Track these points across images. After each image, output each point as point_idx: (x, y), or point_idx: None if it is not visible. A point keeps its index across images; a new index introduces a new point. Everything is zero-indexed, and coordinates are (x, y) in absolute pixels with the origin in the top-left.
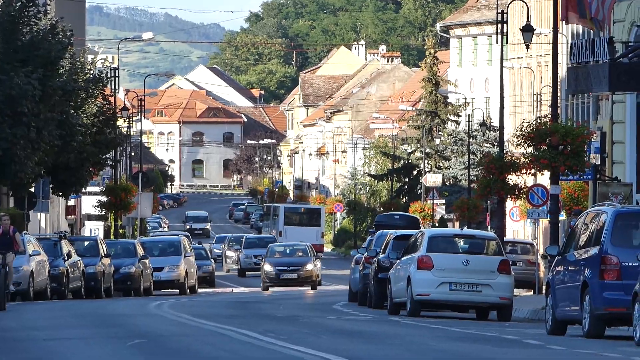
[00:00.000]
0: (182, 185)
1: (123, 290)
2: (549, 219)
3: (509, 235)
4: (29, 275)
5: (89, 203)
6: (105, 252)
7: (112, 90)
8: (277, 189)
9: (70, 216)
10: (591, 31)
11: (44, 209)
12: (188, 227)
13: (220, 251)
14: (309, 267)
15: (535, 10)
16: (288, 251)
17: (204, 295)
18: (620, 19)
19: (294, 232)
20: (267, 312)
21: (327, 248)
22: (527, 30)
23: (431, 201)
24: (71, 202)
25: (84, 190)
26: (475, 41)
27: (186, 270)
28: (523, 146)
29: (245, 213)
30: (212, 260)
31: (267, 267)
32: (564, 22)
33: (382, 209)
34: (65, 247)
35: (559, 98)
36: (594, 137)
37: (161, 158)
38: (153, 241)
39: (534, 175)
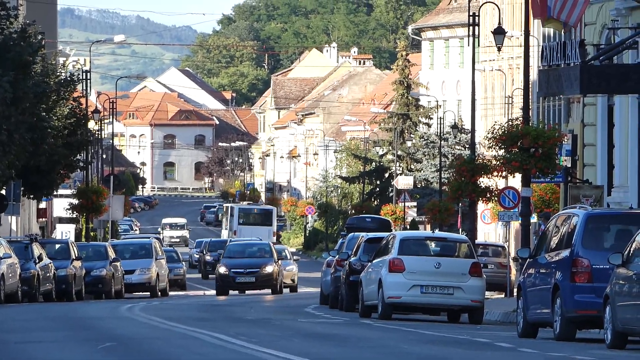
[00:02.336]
0: (154, 188)
1: (94, 293)
2: (520, 221)
3: (481, 238)
4: (0, 278)
5: (61, 206)
6: (77, 255)
7: (84, 93)
8: (248, 192)
9: (41, 219)
10: (562, 34)
11: (15, 212)
12: (165, 235)
13: (198, 256)
14: (269, 268)
15: (506, 12)
16: (247, 251)
17: (176, 298)
18: (591, 21)
19: (247, 231)
20: (238, 315)
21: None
22: (499, 32)
23: (403, 204)
24: (42, 205)
25: (55, 193)
26: (447, 44)
27: (157, 273)
28: (494, 149)
29: (216, 215)
30: (183, 263)
31: (222, 270)
32: (535, 23)
33: (353, 211)
34: (37, 250)
35: (530, 101)
36: (565, 140)
37: (133, 161)
38: (124, 244)
39: (506, 177)
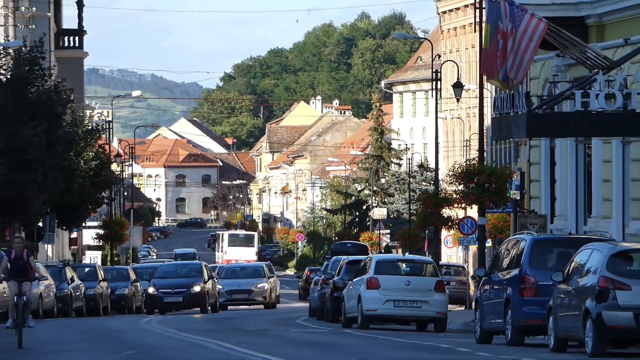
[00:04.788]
0: (168, 220)
1: (118, 309)
2: (477, 245)
3: (444, 260)
4: (39, 297)
5: (89, 235)
6: (103, 277)
7: (107, 140)
8: (248, 222)
9: (73, 247)
10: (511, 87)
11: (50, 241)
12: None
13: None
14: (197, 288)
15: (464, 69)
16: (178, 271)
17: (187, 313)
18: (535, 76)
19: (234, 251)
20: (239, 326)
21: (291, 272)
22: (457, 86)
23: (378, 231)
24: (73, 235)
25: (84, 224)
26: (414, 96)
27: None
28: (455, 184)
29: (209, 241)
30: None
31: (151, 290)
32: (486, 78)
33: (336, 238)
34: (69, 273)
35: (485, 143)
36: (515, 177)
37: (149, 197)
38: (143, 267)
39: (465, 208)
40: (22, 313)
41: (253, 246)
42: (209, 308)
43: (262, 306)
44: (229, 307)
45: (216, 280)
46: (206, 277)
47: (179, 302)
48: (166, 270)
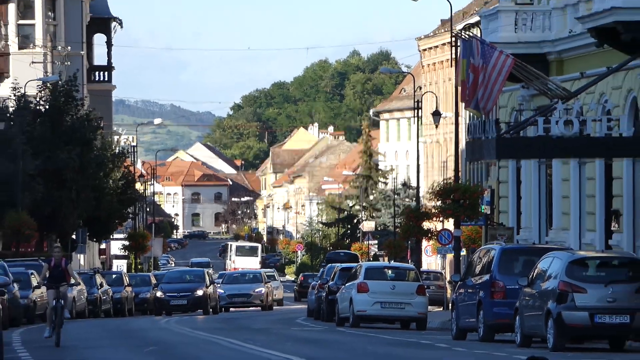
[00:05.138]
0: (184, 232)
1: (141, 310)
2: (453, 254)
3: (424, 267)
4: (72, 300)
5: (116, 246)
6: (128, 283)
7: (132, 162)
8: (254, 234)
9: (102, 256)
10: (483, 115)
11: (82, 251)
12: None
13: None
14: (200, 292)
15: (442, 99)
16: (182, 277)
17: (191, 314)
18: (504, 105)
19: (241, 260)
20: (246, 325)
21: (290, 277)
22: (436, 114)
23: (367, 242)
24: (103, 246)
25: (112, 237)
26: (398, 123)
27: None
28: (434, 200)
29: (220, 251)
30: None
31: (158, 294)
32: (463, 106)
33: (331, 248)
34: (99, 279)
35: (460, 164)
36: (486, 193)
37: (168, 212)
38: (163, 274)
39: (442, 222)
40: (60, 316)
41: (257, 256)
42: (211, 310)
43: (259, 308)
44: (231, 309)
45: (219, 285)
46: (208, 283)
47: (183, 304)
48: (172, 276)
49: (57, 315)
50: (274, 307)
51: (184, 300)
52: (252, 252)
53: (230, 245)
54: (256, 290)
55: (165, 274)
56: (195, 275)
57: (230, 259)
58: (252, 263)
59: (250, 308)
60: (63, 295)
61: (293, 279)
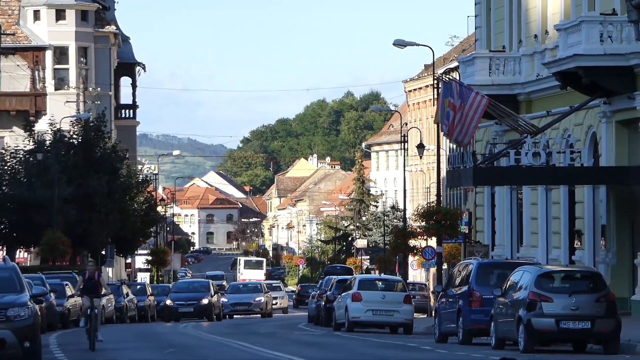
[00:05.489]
0: (200, 249)
1: (162, 317)
2: (435, 268)
3: (411, 279)
4: (101, 308)
5: (140, 261)
6: (150, 292)
7: (154, 188)
8: (261, 250)
9: (127, 269)
10: (461, 147)
11: (110, 265)
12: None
13: None
14: (205, 301)
15: (425, 134)
16: (190, 287)
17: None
18: (480, 139)
19: (248, 272)
20: (254, 330)
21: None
22: (420, 147)
23: (360, 257)
24: (128, 260)
25: (136, 252)
26: (387, 154)
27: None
28: (419, 221)
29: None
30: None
31: (168, 302)
32: (444, 139)
33: (329, 262)
34: (125, 289)
35: (441, 190)
36: (464, 215)
37: (186, 231)
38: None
39: (426, 240)
40: (95, 322)
41: (262, 269)
42: (215, 317)
43: (259, 315)
44: (235, 316)
45: (222, 295)
46: (212, 292)
47: (190, 312)
48: (181, 286)
49: (91, 323)
50: (279, 314)
51: (190, 308)
52: (258, 265)
53: (239, 259)
54: (256, 299)
55: (174, 284)
56: (201, 285)
57: (239, 272)
58: (257, 275)
59: (251, 315)
60: (97, 308)
61: (294, 289)
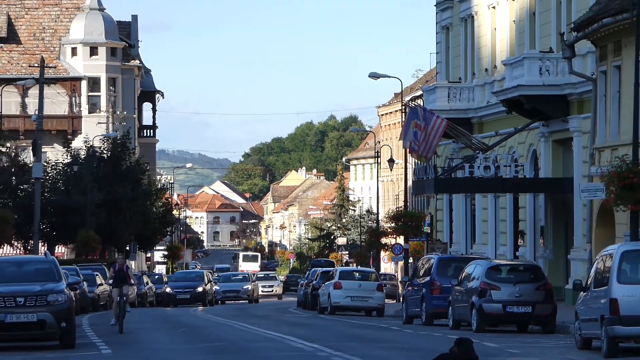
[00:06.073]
0: (208, 245)
1: (161, 303)
2: (403, 261)
3: (382, 270)
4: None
5: (158, 255)
6: (166, 281)
7: (170, 195)
8: (259, 247)
9: (147, 262)
10: (425, 162)
11: (133, 259)
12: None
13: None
14: (200, 289)
15: (395, 150)
16: (187, 277)
17: (217, 306)
18: (440, 154)
19: (246, 264)
20: (252, 313)
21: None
22: (391, 161)
23: (340, 252)
24: (148, 255)
25: (155, 248)
26: (364, 167)
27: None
28: (389, 223)
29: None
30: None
31: (167, 289)
32: (410, 154)
33: (315, 256)
34: (145, 279)
35: (408, 197)
36: (427, 218)
37: (196, 230)
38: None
39: (395, 238)
40: (123, 309)
41: (257, 262)
42: (208, 303)
43: (247, 301)
44: (226, 302)
45: (215, 283)
46: (206, 281)
47: (187, 298)
48: (178, 276)
49: (120, 309)
50: (274, 299)
51: (187, 295)
52: (254, 259)
53: (239, 254)
54: (244, 287)
55: (173, 275)
56: (196, 275)
57: (238, 264)
58: (253, 267)
59: (239, 301)
60: (125, 294)
61: (283, 278)
